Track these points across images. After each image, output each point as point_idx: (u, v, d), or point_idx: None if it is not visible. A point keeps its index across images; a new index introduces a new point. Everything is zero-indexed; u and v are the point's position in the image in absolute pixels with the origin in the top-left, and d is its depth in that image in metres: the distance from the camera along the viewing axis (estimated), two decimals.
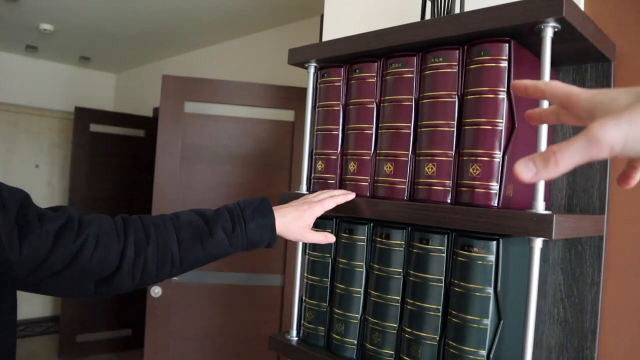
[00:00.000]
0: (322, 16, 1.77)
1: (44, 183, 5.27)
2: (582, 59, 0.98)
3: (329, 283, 1.10)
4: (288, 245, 2.62)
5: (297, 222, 0.99)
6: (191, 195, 2.59)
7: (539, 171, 0.41)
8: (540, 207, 0.77)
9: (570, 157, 0.40)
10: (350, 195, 1.04)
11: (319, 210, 1.01)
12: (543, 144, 0.79)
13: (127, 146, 4.35)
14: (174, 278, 2.55)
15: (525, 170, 0.41)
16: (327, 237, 1.03)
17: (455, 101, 0.91)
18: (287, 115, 2.68)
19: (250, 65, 3.58)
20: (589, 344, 0.98)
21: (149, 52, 4.38)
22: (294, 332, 1.17)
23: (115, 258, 0.87)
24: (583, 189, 1.00)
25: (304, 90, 2.58)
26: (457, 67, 0.91)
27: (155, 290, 2.55)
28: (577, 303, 1.00)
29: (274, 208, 1.00)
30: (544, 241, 0.78)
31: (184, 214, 0.96)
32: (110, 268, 0.86)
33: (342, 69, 1.10)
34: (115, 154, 4.28)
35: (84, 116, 4.15)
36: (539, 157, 0.41)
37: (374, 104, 1.04)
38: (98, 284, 0.88)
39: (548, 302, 1.04)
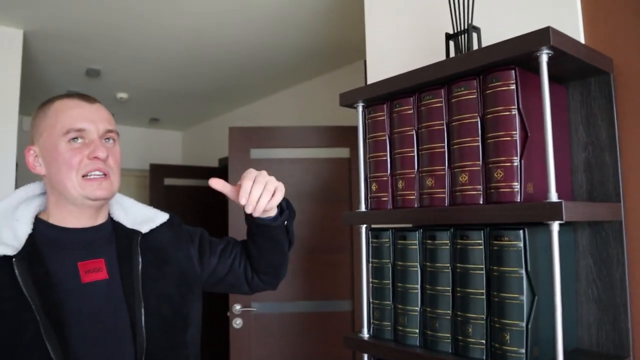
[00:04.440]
0: (365, 61, 2.01)
1: None
2: (584, 74, 1.17)
3: (390, 284, 1.30)
4: (355, 273, 2.81)
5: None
6: None
7: None
8: (553, 197, 0.96)
9: None
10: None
11: None
12: (550, 148, 0.97)
13: (197, 195, 4.71)
14: (253, 309, 2.79)
15: None
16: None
17: (477, 121, 1.12)
18: (343, 152, 2.92)
19: (306, 110, 3.88)
20: (622, 317, 1.13)
21: (211, 108, 4.79)
22: (365, 330, 1.36)
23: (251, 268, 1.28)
24: (600, 182, 1.17)
25: (355, 128, 2.81)
26: (476, 94, 1.12)
27: (237, 322, 2.79)
28: (607, 282, 1.15)
29: None
30: (567, 228, 0.95)
31: None
32: (250, 274, 1.28)
33: (385, 105, 1.33)
34: (187, 204, 4.64)
35: (158, 171, 4.57)
36: None
37: (413, 131, 1.26)
38: (250, 284, 1.29)
39: (583, 284, 1.19)
